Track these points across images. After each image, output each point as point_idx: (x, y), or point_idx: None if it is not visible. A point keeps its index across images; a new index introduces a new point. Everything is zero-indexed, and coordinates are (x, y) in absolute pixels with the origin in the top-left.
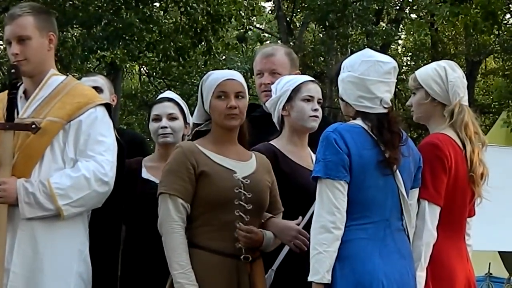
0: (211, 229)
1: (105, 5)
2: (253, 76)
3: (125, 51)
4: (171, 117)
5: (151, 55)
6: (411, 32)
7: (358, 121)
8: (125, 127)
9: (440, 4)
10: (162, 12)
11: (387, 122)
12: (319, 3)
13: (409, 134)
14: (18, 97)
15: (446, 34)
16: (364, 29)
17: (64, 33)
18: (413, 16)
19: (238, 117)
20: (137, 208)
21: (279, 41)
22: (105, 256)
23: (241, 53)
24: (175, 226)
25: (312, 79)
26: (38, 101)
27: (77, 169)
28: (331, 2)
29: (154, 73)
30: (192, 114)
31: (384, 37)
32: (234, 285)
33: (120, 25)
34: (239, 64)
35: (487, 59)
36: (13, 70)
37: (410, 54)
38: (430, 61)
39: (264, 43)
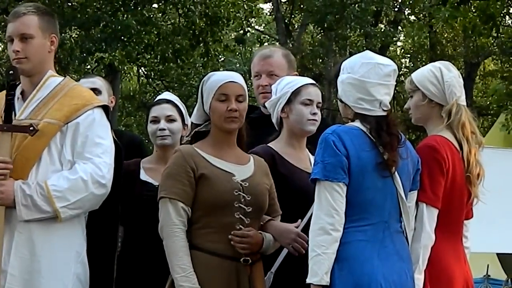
0: (211, 232)
1: (103, 7)
2: (251, 78)
3: (124, 53)
4: (170, 119)
5: (149, 57)
6: (411, 35)
7: (357, 123)
8: (123, 129)
9: (439, 5)
10: (160, 14)
11: (386, 125)
12: (317, 4)
13: (407, 136)
14: (16, 98)
15: (445, 36)
16: (362, 30)
17: (63, 34)
18: (412, 18)
19: (238, 120)
20: (135, 210)
21: (277, 43)
22: (101, 258)
23: (239, 55)
24: (176, 229)
25: (313, 82)
26: (36, 102)
27: (74, 171)
28: (330, 3)
29: (153, 75)
30: (190, 115)
31: (383, 38)
32: (233, 287)
33: (118, 27)
34: (238, 65)
35: (485, 61)
36: (11, 72)
37: (408, 56)
38: (428, 62)
39: (262, 44)
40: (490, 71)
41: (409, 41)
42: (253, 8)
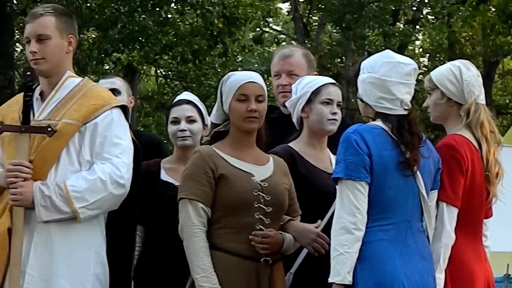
0: (231, 232)
1: (121, 7)
2: (269, 78)
3: (141, 53)
4: (190, 120)
5: (167, 58)
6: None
7: (378, 122)
8: (141, 129)
9: (458, 4)
10: (178, 15)
11: (407, 124)
12: (335, 4)
13: (426, 135)
14: (34, 99)
15: (463, 35)
16: (381, 30)
17: (80, 35)
18: (430, 17)
19: (258, 120)
20: (156, 210)
21: (293, 42)
22: (118, 258)
23: (257, 55)
24: (196, 230)
25: (333, 81)
26: (54, 103)
27: (93, 171)
28: (348, 3)
29: (171, 75)
30: (209, 115)
31: (401, 38)
32: (254, 287)
33: (136, 28)
34: (256, 65)
35: (504, 59)
36: (28, 73)
37: (427, 55)
38: (447, 62)
39: (280, 44)
40: (509, 69)
41: (428, 40)
42: (271, 8)
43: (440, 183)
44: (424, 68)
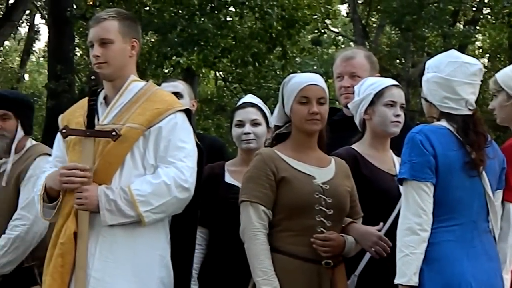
0: (292, 234)
1: (180, 11)
2: (328, 80)
3: (200, 56)
4: (254, 123)
5: (225, 61)
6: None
7: (443, 122)
8: (201, 132)
9: None
10: (237, 17)
11: (473, 124)
12: (394, 5)
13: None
14: (99, 103)
15: None
16: (440, 30)
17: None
18: (490, 17)
19: (320, 122)
20: (220, 212)
21: (352, 44)
22: (178, 261)
23: (315, 57)
24: (257, 233)
25: (396, 83)
26: (119, 107)
27: (157, 175)
28: (407, 4)
29: (230, 78)
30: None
31: (461, 38)
32: None
33: (195, 31)
34: (315, 67)
35: None
36: (92, 77)
37: (487, 55)
38: (507, 62)
39: (339, 46)
40: None
41: (487, 40)
42: (330, 10)
43: (506, 183)
44: (484, 69)
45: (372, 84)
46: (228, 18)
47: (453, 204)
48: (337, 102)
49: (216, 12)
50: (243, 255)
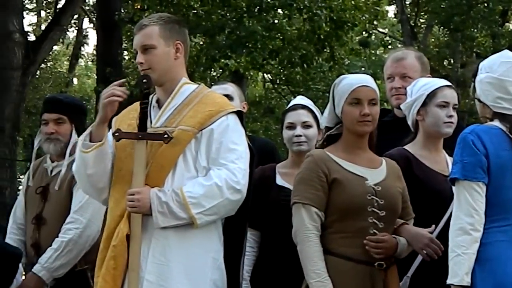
0: (344, 236)
1: (227, 13)
2: (377, 81)
3: (248, 59)
4: (306, 125)
5: (273, 63)
6: None
7: (496, 123)
8: (250, 134)
9: None
10: (285, 19)
11: None
12: (443, 6)
13: None
14: (152, 106)
15: None
16: (489, 30)
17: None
18: None
19: (371, 123)
20: (272, 215)
21: (399, 45)
22: (228, 263)
23: (364, 58)
24: (310, 234)
25: (449, 84)
26: (171, 110)
27: (209, 177)
28: (456, 4)
29: (278, 80)
30: None
31: (511, 38)
32: None
33: (243, 33)
34: (363, 69)
35: None
36: (144, 80)
37: None
38: None
39: (386, 47)
40: None
41: None
42: (379, 10)
43: None
44: None
45: (424, 84)
46: (276, 20)
47: (505, 204)
48: (385, 103)
49: (264, 14)
50: (295, 257)
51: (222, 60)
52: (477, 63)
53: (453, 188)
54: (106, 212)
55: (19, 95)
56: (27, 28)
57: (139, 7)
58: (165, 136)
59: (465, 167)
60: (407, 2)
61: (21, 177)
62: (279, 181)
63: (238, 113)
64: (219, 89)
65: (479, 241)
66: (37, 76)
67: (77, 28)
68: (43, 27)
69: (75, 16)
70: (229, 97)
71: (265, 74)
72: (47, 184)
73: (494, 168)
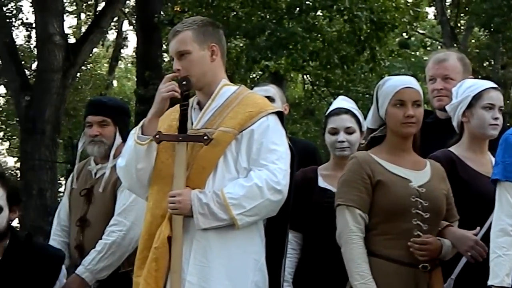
0: (388, 238)
1: (268, 15)
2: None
3: (289, 60)
4: (348, 131)
5: (313, 64)
6: None
7: None
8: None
9: None
10: (326, 20)
11: None
12: (484, 7)
13: None
14: (192, 108)
15: None
16: None
17: (228, 43)
18: None
19: (415, 125)
20: (314, 217)
21: (439, 47)
22: (270, 265)
23: (403, 59)
24: (353, 237)
25: (494, 85)
26: (211, 111)
27: (249, 178)
28: (497, 6)
29: (318, 82)
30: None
31: None
32: None
33: (283, 35)
34: (402, 70)
35: None
36: (184, 82)
37: None
38: None
39: (426, 48)
40: None
41: None
42: (419, 12)
43: None
44: None
45: (470, 86)
46: (316, 21)
47: None
48: (425, 105)
49: (304, 15)
50: (338, 259)
51: (262, 62)
52: None
53: (496, 189)
54: None
55: (59, 97)
56: (67, 31)
57: (178, 9)
58: (205, 137)
59: (507, 168)
60: (447, 3)
61: (61, 179)
62: (321, 183)
63: (279, 114)
64: (260, 91)
65: None
66: (77, 79)
67: (116, 30)
68: (83, 29)
69: (115, 19)
70: (270, 98)
71: (304, 76)
72: (91, 186)
73: None
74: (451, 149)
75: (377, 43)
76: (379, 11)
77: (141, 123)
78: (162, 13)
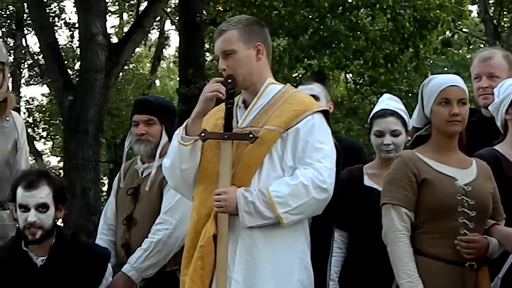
0: (434, 236)
1: (310, 14)
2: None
3: (332, 59)
4: (394, 134)
5: (356, 63)
6: None
7: None
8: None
9: None
10: (369, 19)
11: None
12: None
13: None
14: (238, 106)
15: None
16: None
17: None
18: None
19: (461, 123)
20: (361, 216)
21: (481, 45)
22: (316, 263)
23: (448, 58)
24: (400, 235)
25: None
26: (257, 110)
27: (295, 176)
28: None
29: (361, 81)
30: None
31: None
32: None
33: (326, 33)
34: (445, 69)
35: None
36: (229, 80)
37: None
38: None
39: (469, 46)
40: None
41: None
42: (463, 10)
43: None
44: None
45: (511, 84)
46: (359, 20)
47: None
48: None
49: (347, 13)
50: (384, 258)
51: (306, 60)
52: None
53: None
54: None
55: (102, 97)
56: (109, 31)
57: (221, 8)
58: (251, 135)
59: None
60: (490, 2)
61: (103, 178)
62: (367, 182)
63: (324, 113)
64: (305, 89)
65: None
66: (119, 78)
67: (159, 30)
68: (125, 29)
69: (157, 18)
70: (315, 97)
71: (347, 75)
72: (138, 185)
73: None
74: (496, 147)
75: (421, 41)
76: (422, 9)
77: (184, 123)
78: (204, 12)
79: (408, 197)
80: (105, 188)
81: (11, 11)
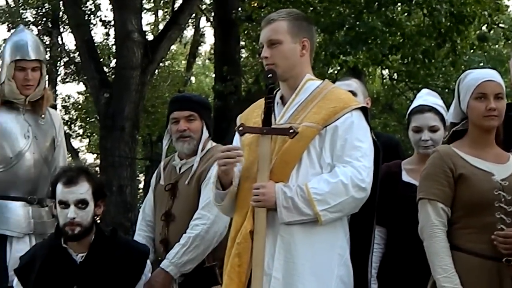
0: (471, 232)
1: (346, 10)
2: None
3: (368, 55)
4: (433, 130)
5: (392, 58)
6: None
7: None
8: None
9: None
10: (405, 14)
11: None
12: None
13: None
14: (276, 103)
15: None
16: None
17: None
18: None
19: (497, 118)
20: (399, 211)
21: None
22: (357, 259)
23: (485, 53)
24: (436, 230)
25: None
26: (295, 106)
27: (334, 174)
28: None
29: (397, 76)
30: None
31: None
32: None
33: (363, 29)
34: (481, 64)
35: None
36: (270, 75)
37: None
38: None
39: (507, 42)
40: None
41: None
42: (499, 4)
43: None
44: None
45: None
46: (396, 16)
47: None
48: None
49: (383, 9)
50: (422, 253)
51: (341, 57)
52: None
53: None
54: None
55: (138, 94)
56: (145, 28)
57: (256, 5)
58: (291, 131)
59: None
60: None
61: (139, 175)
62: (405, 177)
63: (363, 109)
64: (342, 85)
65: None
66: (155, 76)
67: (194, 27)
68: (160, 26)
69: (193, 15)
70: (353, 93)
71: (383, 71)
72: (176, 181)
73: None
74: None
75: (458, 36)
76: (458, 4)
77: (212, 184)
78: (239, 9)
79: (444, 192)
80: (141, 185)
81: (47, 9)
